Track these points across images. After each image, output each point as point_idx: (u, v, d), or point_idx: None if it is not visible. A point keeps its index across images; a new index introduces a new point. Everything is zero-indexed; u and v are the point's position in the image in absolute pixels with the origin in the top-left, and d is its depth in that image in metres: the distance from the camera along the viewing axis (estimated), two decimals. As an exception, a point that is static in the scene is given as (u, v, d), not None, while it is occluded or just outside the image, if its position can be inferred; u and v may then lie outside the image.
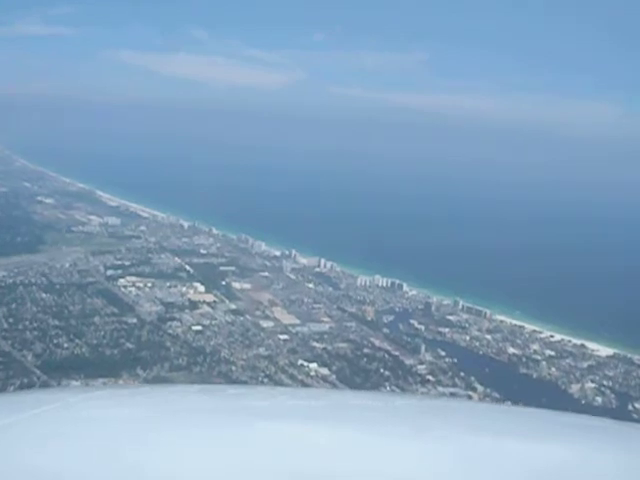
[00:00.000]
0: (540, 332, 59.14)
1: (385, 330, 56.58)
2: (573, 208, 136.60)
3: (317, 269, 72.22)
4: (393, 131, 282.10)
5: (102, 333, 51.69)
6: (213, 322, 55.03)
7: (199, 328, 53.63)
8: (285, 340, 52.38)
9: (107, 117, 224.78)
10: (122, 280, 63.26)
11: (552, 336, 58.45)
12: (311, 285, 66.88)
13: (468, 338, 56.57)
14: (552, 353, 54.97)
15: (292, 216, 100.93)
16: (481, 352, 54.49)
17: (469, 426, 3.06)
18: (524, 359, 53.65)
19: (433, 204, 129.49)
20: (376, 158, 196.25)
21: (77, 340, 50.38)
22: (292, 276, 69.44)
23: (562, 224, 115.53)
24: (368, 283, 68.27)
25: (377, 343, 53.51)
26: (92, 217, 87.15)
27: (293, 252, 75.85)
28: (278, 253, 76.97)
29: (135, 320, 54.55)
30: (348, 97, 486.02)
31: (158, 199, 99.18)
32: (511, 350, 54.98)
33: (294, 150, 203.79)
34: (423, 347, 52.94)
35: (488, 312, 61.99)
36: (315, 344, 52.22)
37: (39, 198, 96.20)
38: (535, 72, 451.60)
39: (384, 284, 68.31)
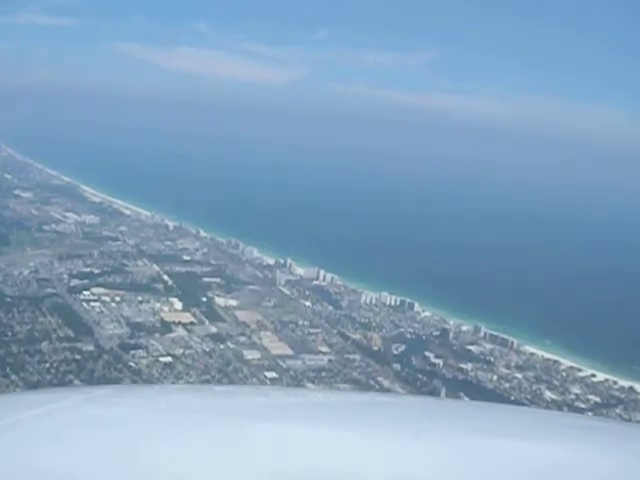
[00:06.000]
0: (579, 370, 47.27)
1: (395, 365, 44.64)
2: (592, 212, 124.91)
3: (315, 282, 60.12)
4: (394, 130, 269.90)
5: (47, 365, 40.01)
6: (187, 351, 43.26)
7: (168, 360, 41.95)
8: (273, 379, 40.41)
9: (105, 110, 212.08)
10: (86, 292, 51.66)
11: (594, 375, 46.65)
12: (308, 303, 54.80)
13: (495, 377, 44.72)
14: (597, 399, 43.23)
15: (289, 219, 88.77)
16: (513, 397, 42.48)
17: (469, 426, 2.89)
18: (565, 408, 41.64)
19: (438, 206, 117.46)
20: (376, 156, 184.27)
21: (13, 375, 38.59)
22: (286, 290, 57.41)
23: (583, 230, 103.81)
24: (374, 301, 56.29)
25: (386, 384, 41.66)
26: (69, 214, 75.19)
27: (288, 261, 63.82)
28: (271, 261, 64.95)
29: (91, 347, 42.89)
30: (351, 95, 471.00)
31: (146, 196, 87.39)
32: (548, 395, 43.15)
33: (294, 147, 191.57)
34: (443, 391, 40.98)
35: (515, 342, 50.16)
36: (310, 386, 40.23)
37: (16, 191, 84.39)
38: (541, 74, 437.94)
39: (392, 302, 56.31)
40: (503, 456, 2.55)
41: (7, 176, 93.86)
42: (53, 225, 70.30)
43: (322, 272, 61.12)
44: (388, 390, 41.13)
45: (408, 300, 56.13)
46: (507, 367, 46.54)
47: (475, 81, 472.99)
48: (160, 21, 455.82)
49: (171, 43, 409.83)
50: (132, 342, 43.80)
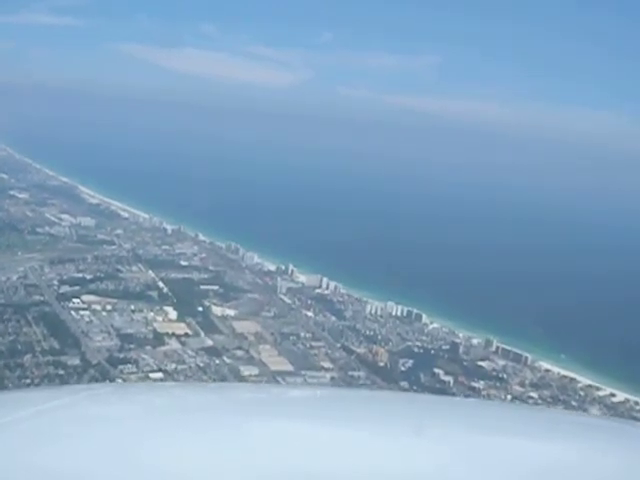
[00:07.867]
0: (597, 388, 43.88)
1: (403, 383, 41.16)
2: (603, 216, 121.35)
3: (318, 290, 56.79)
4: (397, 133, 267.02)
5: (27, 382, 36.59)
6: (179, 367, 40.07)
7: (159, 376, 38.53)
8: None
9: (107, 110, 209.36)
10: (76, 300, 48.27)
11: (613, 395, 43.25)
12: (310, 313, 51.48)
13: (509, 397, 41.21)
14: (620, 422, 39.54)
15: (292, 223, 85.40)
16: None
17: (470, 424, 2.79)
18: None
19: (444, 210, 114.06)
20: (380, 159, 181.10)
21: (-10, 392, 35.11)
22: (287, 299, 54.06)
23: (596, 236, 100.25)
24: (379, 311, 52.92)
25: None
26: (64, 216, 71.99)
27: (290, 267, 60.46)
28: (273, 268, 61.62)
29: (77, 361, 39.73)
30: (355, 98, 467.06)
31: (145, 198, 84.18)
32: (567, 417, 39.54)
33: (297, 149, 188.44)
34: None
35: (529, 357, 46.78)
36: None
37: (12, 192, 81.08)
38: (544, 78, 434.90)
39: (399, 313, 52.91)
40: (504, 454, 2.48)
41: (4, 176, 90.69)
42: (47, 227, 67.16)
43: (325, 280, 57.80)
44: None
45: (415, 311, 52.79)
46: (521, 385, 43.23)
47: (478, 84, 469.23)
48: (164, 22, 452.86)
49: (175, 44, 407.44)
50: (121, 356, 40.60)
